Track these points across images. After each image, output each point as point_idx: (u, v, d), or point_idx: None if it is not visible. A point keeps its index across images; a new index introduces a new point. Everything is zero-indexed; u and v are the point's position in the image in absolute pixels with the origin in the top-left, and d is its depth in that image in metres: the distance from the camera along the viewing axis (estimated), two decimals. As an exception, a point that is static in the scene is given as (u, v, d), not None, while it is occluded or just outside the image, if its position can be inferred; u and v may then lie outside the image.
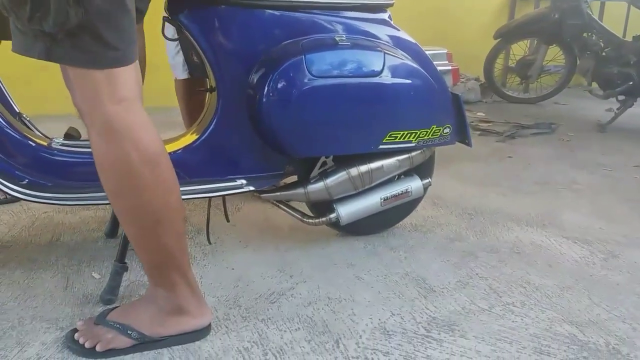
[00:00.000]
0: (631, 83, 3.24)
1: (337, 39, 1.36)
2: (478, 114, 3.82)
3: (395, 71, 1.40)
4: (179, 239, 1.10)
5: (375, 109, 1.40)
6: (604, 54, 3.45)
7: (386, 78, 1.39)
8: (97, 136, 1.00)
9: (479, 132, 3.24)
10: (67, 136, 1.46)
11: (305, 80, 1.32)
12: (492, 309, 1.34)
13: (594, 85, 3.57)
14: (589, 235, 1.79)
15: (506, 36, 3.93)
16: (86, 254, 1.57)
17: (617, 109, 3.34)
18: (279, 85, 1.32)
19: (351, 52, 1.35)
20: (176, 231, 1.09)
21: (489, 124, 3.44)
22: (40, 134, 1.50)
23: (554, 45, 3.90)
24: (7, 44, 1.34)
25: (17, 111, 1.54)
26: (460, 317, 1.31)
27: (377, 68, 1.37)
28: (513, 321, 1.29)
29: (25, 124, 1.52)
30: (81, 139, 1.49)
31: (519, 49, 4.21)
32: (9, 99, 1.52)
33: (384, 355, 1.15)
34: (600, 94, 3.42)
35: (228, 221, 1.56)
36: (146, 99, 1.08)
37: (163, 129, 1.22)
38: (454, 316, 1.31)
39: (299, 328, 1.24)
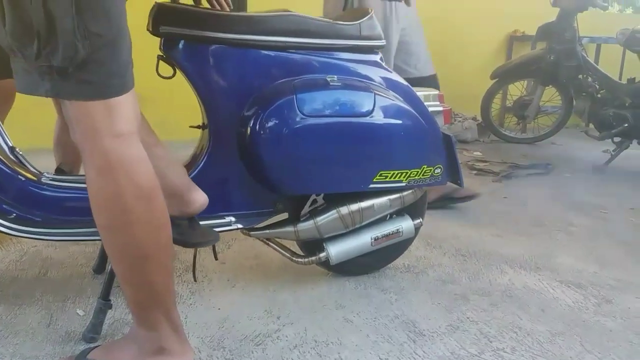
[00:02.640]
0: (626, 125, 3.27)
1: (329, 79, 1.38)
2: (475, 153, 3.83)
3: (385, 111, 1.41)
4: (166, 277, 1.09)
5: (366, 148, 1.41)
6: (599, 95, 3.49)
7: (377, 118, 1.40)
8: (94, 171, 1.00)
9: (475, 172, 3.24)
10: (58, 171, 1.47)
11: (296, 119, 1.33)
12: (482, 354, 1.32)
13: (591, 126, 3.60)
14: (583, 279, 1.77)
15: (503, 77, 3.98)
16: (72, 289, 1.55)
17: (613, 150, 3.35)
18: (270, 124, 1.33)
19: (342, 92, 1.37)
20: (164, 269, 1.08)
21: (486, 164, 3.45)
22: (32, 169, 1.50)
23: (551, 86, 3.94)
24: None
25: (10, 145, 1.54)
26: (449, 363, 1.28)
27: (368, 108, 1.39)
28: (503, 368, 1.26)
29: (18, 158, 1.52)
30: (72, 174, 1.50)
31: (516, 90, 4.26)
32: (2, 132, 1.53)
33: (369, 402, 1.12)
34: (596, 135, 3.44)
35: (216, 259, 1.54)
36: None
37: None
38: (443, 362, 1.28)
39: (283, 372, 1.21)
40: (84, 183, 1.36)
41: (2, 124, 1.68)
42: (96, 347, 1.18)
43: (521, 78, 4.07)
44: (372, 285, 1.66)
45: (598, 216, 2.47)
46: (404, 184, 1.49)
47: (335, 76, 1.40)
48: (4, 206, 1.29)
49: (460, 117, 4.36)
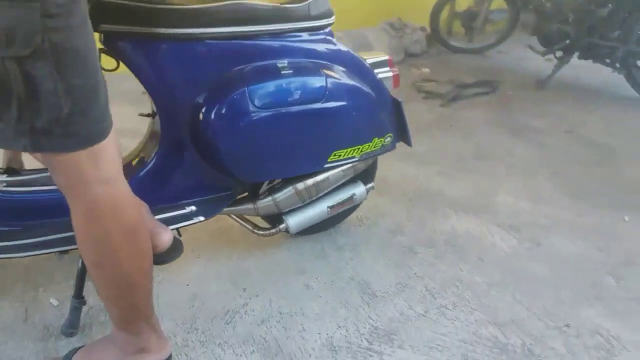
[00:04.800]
0: (568, 41, 3.35)
1: (280, 65, 1.38)
2: (423, 70, 3.86)
3: (337, 93, 1.44)
4: (148, 295, 1.17)
5: (320, 132, 1.45)
6: (545, 10, 3.51)
7: (328, 102, 1.42)
8: (82, 216, 1.01)
9: (422, 95, 3.31)
10: (10, 171, 1.44)
11: (250, 112, 1.34)
12: (427, 313, 1.50)
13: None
14: (519, 220, 1.95)
15: (451, -11, 3.91)
16: (41, 275, 1.61)
17: (555, 65, 3.46)
18: (224, 116, 1.34)
19: (293, 80, 1.37)
20: (146, 290, 1.16)
21: (433, 83, 3.51)
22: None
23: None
24: None
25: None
26: (399, 324, 1.45)
27: (320, 93, 1.41)
28: (445, 326, 1.45)
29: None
30: (23, 170, 1.48)
31: (464, 1, 4.21)
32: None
33: (330, 373, 1.29)
34: (540, 50, 3.52)
35: (180, 236, 1.62)
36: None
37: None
38: (394, 324, 1.45)
39: (253, 351, 1.36)
40: (43, 184, 1.38)
41: None
42: (79, 348, 1.27)
43: (469, -11, 4.02)
44: (328, 244, 1.79)
45: (536, 143, 2.63)
46: (356, 158, 1.56)
47: (286, 61, 1.39)
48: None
49: (409, 29, 4.32)
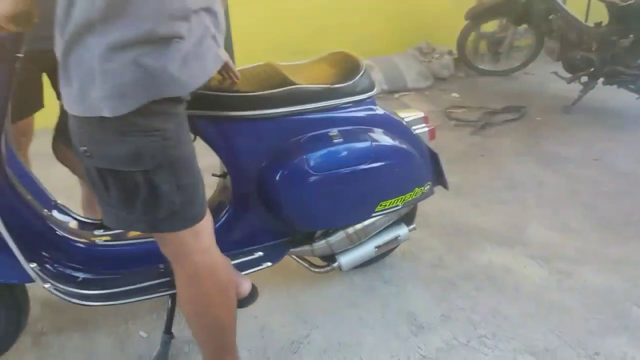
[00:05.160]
0: (592, 69, 3.49)
1: (331, 134, 1.60)
2: (452, 95, 4.05)
3: (380, 154, 1.64)
4: (233, 335, 1.41)
5: (367, 188, 1.66)
6: (568, 38, 3.66)
7: (374, 163, 1.63)
8: (185, 279, 1.26)
9: (454, 122, 3.50)
10: (100, 225, 1.68)
11: (308, 175, 1.56)
12: (469, 342, 1.68)
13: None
14: (549, 251, 2.12)
15: (476, 18, 4.10)
16: (128, 310, 1.85)
17: (580, 91, 3.60)
18: (286, 179, 1.56)
19: (343, 146, 1.59)
20: (233, 331, 1.39)
21: (463, 110, 3.69)
22: (78, 219, 1.71)
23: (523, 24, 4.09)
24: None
25: (53, 201, 1.73)
26: (444, 354, 1.64)
27: (366, 156, 1.62)
28: (485, 354, 1.63)
29: (64, 211, 1.72)
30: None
31: (489, 26, 4.38)
32: (43, 190, 1.70)
33: (387, 399, 1.49)
34: (565, 77, 3.66)
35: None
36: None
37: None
38: (440, 353, 1.64)
39: (319, 378, 1.57)
40: (130, 239, 1.62)
41: (26, 156, 1.85)
42: (173, 378, 1.50)
43: (494, 18, 4.19)
44: (377, 278, 1.99)
45: (565, 172, 2.79)
46: (400, 206, 1.77)
47: (336, 130, 1.61)
48: (69, 271, 1.53)
49: (437, 53, 4.51)
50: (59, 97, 1.77)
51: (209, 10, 1.10)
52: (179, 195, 1.14)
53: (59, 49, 1.02)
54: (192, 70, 1.07)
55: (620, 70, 3.37)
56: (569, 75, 3.65)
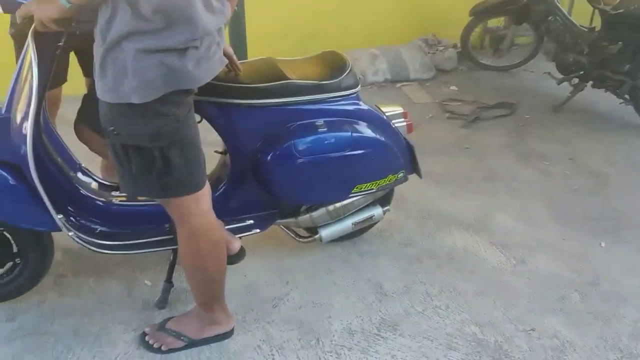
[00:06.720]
0: (582, 72, 3.68)
1: (317, 124, 1.86)
2: (451, 87, 4.26)
3: (360, 144, 1.90)
4: (222, 286, 1.70)
5: (346, 172, 1.93)
6: (564, 40, 3.84)
7: (353, 150, 1.89)
8: (185, 235, 1.54)
9: (447, 115, 3.72)
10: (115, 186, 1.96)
11: (295, 157, 1.84)
12: (425, 311, 1.96)
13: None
14: (510, 240, 2.38)
15: (480, 15, 4.28)
16: (137, 262, 2.14)
17: (570, 92, 3.80)
18: (277, 160, 1.84)
19: (327, 135, 1.86)
20: (222, 282, 1.68)
21: (458, 104, 3.91)
22: (98, 181, 1.99)
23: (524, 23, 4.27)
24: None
25: (77, 163, 2.00)
26: (402, 318, 1.93)
27: (346, 144, 1.88)
28: (437, 322, 1.92)
29: (86, 173, 2.00)
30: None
31: (495, 21, 4.56)
32: (69, 153, 1.97)
33: (348, 350, 1.78)
34: (557, 77, 3.86)
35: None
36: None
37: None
38: (398, 318, 1.93)
39: (293, 329, 1.86)
40: (141, 201, 1.90)
41: (55, 125, 2.12)
42: (171, 318, 1.80)
43: (497, 16, 4.37)
44: (354, 251, 2.27)
45: (540, 169, 3.03)
46: (374, 190, 2.03)
47: (322, 120, 1.87)
48: (89, 224, 1.82)
49: (442, 46, 4.70)
50: (85, 74, 2.04)
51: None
52: (185, 167, 1.42)
53: (97, 50, 1.29)
54: (203, 69, 1.36)
55: (607, 75, 3.56)
56: (560, 77, 3.84)
